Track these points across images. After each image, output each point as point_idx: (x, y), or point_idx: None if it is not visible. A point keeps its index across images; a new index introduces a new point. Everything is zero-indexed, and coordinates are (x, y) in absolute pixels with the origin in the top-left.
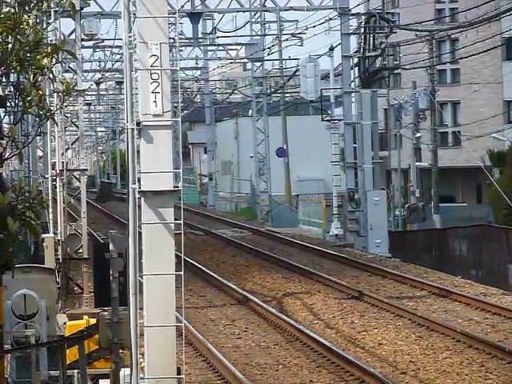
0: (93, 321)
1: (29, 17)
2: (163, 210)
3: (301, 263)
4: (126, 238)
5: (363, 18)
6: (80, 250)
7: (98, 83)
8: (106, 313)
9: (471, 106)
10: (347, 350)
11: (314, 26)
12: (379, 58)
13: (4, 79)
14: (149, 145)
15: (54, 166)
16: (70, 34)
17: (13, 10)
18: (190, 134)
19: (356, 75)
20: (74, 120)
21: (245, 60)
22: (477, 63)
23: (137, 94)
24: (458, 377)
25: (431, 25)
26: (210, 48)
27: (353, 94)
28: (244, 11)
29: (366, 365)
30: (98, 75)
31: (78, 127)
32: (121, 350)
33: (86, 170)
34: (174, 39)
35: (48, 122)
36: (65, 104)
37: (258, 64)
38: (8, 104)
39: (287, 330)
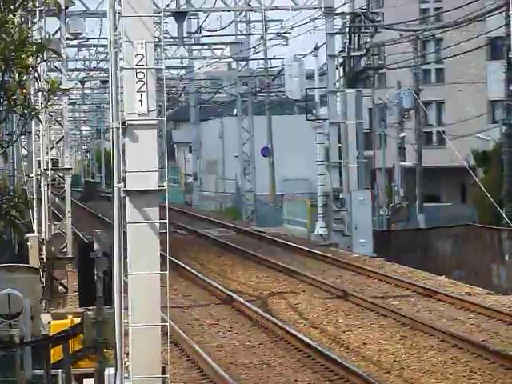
0: (77, 320)
1: (14, 16)
2: (148, 210)
3: (285, 263)
4: (110, 238)
5: (348, 17)
6: (64, 250)
7: (82, 82)
8: (90, 312)
9: (456, 105)
10: (332, 350)
11: (299, 26)
12: (364, 57)
13: None
14: (134, 144)
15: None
16: (55, 32)
17: None
18: (175, 134)
19: (341, 75)
20: (58, 119)
21: (230, 59)
22: (461, 63)
23: (122, 93)
24: (442, 376)
25: (416, 24)
26: (195, 47)
27: (338, 94)
28: (229, 10)
29: (351, 364)
30: (83, 74)
31: (62, 126)
32: (105, 350)
33: (71, 169)
34: (159, 38)
35: (33, 121)
36: (49, 103)
37: (243, 63)
38: None
39: (272, 329)
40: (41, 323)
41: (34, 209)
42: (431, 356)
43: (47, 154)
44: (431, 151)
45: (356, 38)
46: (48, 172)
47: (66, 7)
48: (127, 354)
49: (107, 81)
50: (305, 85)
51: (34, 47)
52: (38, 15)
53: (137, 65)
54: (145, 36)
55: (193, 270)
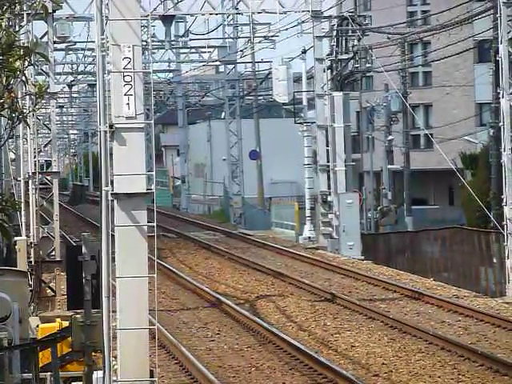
0: (65, 323)
1: (1, 19)
2: (136, 213)
3: (274, 266)
4: (98, 241)
5: (335, 20)
6: (52, 253)
7: (70, 86)
8: (78, 315)
9: (443, 108)
10: (320, 353)
11: (286, 29)
12: (351, 60)
13: None
14: (122, 147)
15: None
16: (43, 36)
17: None
18: (163, 137)
19: (328, 78)
20: (46, 123)
21: (217, 63)
22: (449, 66)
23: (109, 96)
24: (430, 379)
25: (403, 27)
26: (182, 50)
27: (325, 97)
28: (216, 14)
29: (339, 367)
30: (71, 78)
31: (50, 130)
32: (94, 353)
33: (59, 172)
34: (147, 42)
35: (20, 125)
36: (37, 107)
37: (230, 67)
38: None
39: (260, 332)
40: (29, 326)
41: (22, 212)
42: (419, 359)
43: (35, 157)
44: (419, 154)
45: (343, 41)
46: (36, 175)
47: (54, 11)
48: (115, 358)
49: (95, 84)
50: (292, 88)
51: (22, 51)
52: (25, 19)
53: (124, 68)
54: (132, 39)
55: (181, 273)
